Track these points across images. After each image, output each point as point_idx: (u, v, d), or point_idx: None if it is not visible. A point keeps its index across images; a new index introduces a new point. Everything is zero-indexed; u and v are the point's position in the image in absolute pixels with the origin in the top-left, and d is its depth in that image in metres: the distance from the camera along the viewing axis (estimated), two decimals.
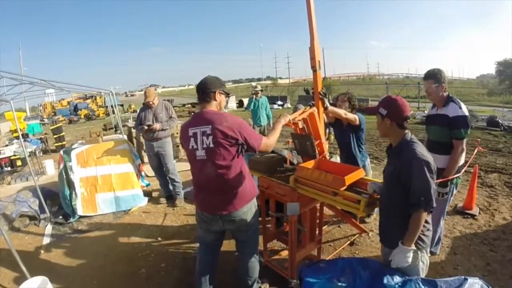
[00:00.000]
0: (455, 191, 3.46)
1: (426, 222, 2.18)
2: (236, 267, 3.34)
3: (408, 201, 2.09)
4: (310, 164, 3.12)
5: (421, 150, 2.12)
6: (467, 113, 3.19)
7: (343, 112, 3.86)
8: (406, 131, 2.25)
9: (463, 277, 2.01)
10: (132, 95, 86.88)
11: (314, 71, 3.50)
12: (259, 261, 3.04)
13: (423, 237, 2.17)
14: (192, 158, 2.63)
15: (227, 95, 2.85)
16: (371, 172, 4.62)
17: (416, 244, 2.14)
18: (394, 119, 2.22)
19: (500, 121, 11.48)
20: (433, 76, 3.27)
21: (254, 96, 8.63)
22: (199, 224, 2.88)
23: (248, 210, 2.70)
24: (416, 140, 2.21)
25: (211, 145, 2.49)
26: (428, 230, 2.22)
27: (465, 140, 3.19)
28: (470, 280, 1.98)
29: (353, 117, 3.97)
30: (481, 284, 1.98)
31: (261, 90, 8.97)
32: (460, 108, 3.18)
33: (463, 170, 3.34)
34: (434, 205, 2.08)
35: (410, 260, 2.10)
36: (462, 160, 3.27)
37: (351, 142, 4.20)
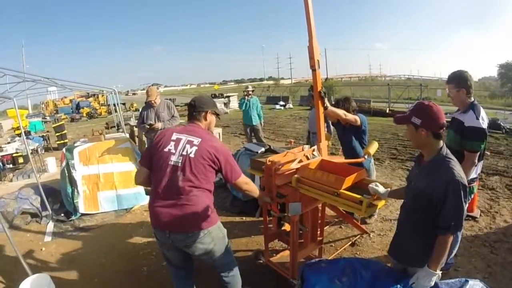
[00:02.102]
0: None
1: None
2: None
3: (435, 221, 1.98)
4: (312, 164, 3.12)
5: (459, 170, 1.97)
6: (484, 126, 2.95)
7: (343, 113, 3.84)
8: (441, 142, 2.08)
9: (464, 279, 2.02)
10: (133, 94, 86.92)
11: (313, 70, 3.45)
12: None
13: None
14: (162, 162, 2.46)
15: (218, 116, 2.85)
16: (375, 173, 4.62)
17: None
18: (430, 128, 2.02)
19: (501, 123, 11.48)
20: (453, 79, 3.08)
21: (246, 96, 8.69)
22: (160, 247, 2.78)
23: (202, 236, 2.49)
24: (451, 155, 2.05)
25: (192, 155, 2.40)
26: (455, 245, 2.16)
27: (477, 154, 2.96)
28: (471, 282, 1.98)
29: (353, 117, 3.98)
30: (481, 286, 1.98)
31: (252, 91, 9.05)
32: (477, 118, 2.94)
33: (473, 184, 3.17)
34: (462, 229, 2.02)
35: (433, 283, 2.00)
36: (473, 174, 3.06)
37: (353, 142, 4.21)
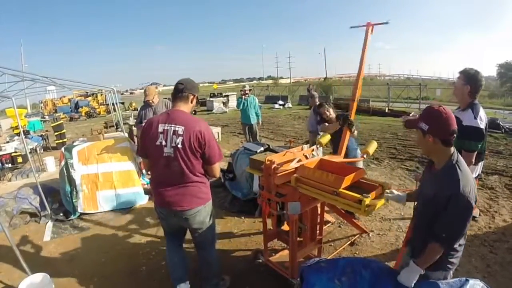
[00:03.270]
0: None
1: (459, 245, 2.07)
2: (235, 270, 3.42)
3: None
4: (312, 163, 3.12)
5: (466, 183, 1.89)
6: (482, 126, 3.00)
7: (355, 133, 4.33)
8: (452, 149, 2.00)
9: (464, 278, 2.01)
10: (131, 93, 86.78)
11: (353, 100, 4.03)
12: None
13: (452, 260, 2.09)
14: (157, 155, 2.67)
15: (198, 102, 2.94)
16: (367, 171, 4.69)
17: (445, 267, 2.09)
18: (437, 135, 1.95)
19: (501, 123, 11.48)
20: (465, 73, 3.06)
21: (243, 96, 8.70)
22: (160, 220, 3.12)
23: (201, 210, 2.81)
24: (462, 164, 1.97)
25: (180, 146, 2.60)
26: (456, 255, 2.09)
27: (474, 154, 3.02)
28: (471, 281, 1.98)
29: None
30: (482, 285, 1.98)
31: (250, 90, 9.08)
32: (475, 118, 2.99)
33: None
34: (454, 247, 2.01)
35: (415, 281, 2.01)
36: (473, 174, 2.89)
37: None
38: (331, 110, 4.92)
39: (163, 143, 2.63)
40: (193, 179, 2.71)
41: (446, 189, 1.91)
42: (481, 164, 3.20)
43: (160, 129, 2.65)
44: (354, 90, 4.04)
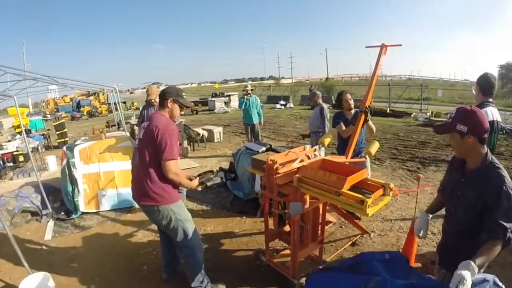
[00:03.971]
0: None
1: None
2: (236, 269, 3.53)
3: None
4: (314, 163, 3.12)
5: (506, 175, 1.90)
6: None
7: (373, 127, 4.47)
8: (486, 147, 1.99)
9: (482, 275, 1.97)
10: (131, 93, 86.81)
11: (361, 112, 4.12)
12: (263, 260, 3.09)
13: None
14: (134, 147, 3.08)
15: (181, 106, 3.09)
16: (370, 171, 4.66)
17: None
18: (476, 134, 1.92)
19: (502, 124, 11.43)
20: (477, 80, 3.29)
21: (245, 96, 8.68)
22: None
23: (153, 211, 2.93)
24: (498, 162, 1.98)
25: (141, 137, 2.89)
26: None
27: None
28: (489, 276, 1.98)
29: (373, 126, 4.49)
30: (492, 278, 1.99)
31: (251, 90, 9.06)
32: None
33: None
34: None
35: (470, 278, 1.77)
36: None
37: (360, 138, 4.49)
38: (352, 100, 4.73)
39: (136, 137, 3.01)
40: (150, 173, 2.83)
41: (492, 186, 1.89)
42: None
43: (141, 126, 3.01)
44: (364, 99, 4.17)
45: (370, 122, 4.25)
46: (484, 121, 1.91)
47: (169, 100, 2.98)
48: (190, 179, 3.09)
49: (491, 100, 3.23)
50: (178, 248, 3.15)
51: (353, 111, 4.54)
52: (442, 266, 2.27)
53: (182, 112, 3.33)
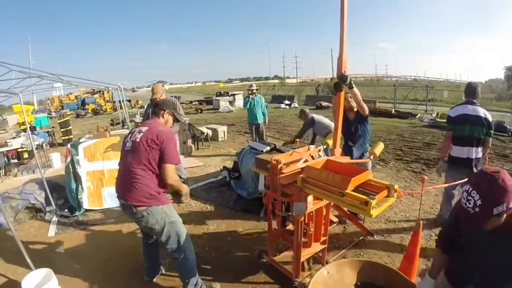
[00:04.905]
0: None
1: None
2: (239, 269, 3.53)
3: None
4: (318, 163, 3.10)
5: None
6: (449, 114, 4.33)
7: (360, 97, 4.07)
8: None
9: None
10: (133, 91, 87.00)
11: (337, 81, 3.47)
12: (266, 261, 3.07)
13: None
14: (122, 148, 3.08)
15: (176, 119, 3.30)
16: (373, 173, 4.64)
17: None
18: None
19: (507, 126, 11.35)
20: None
21: (250, 95, 8.68)
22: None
23: (150, 215, 2.89)
24: None
25: (137, 139, 2.87)
26: None
27: (447, 133, 4.36)
28: None
29: (364, 105, 4.23)
30: None
31: (257, 89, 9.07)
32: (451, 109, 4.43)
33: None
34: None
35: None
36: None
37: (359, 131, 4.44)
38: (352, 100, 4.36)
39: (127, 139, 3.02)
40: (141, 175, 2.84)
41: None
42: (466, 149, 4.12)
43: (133, 131, 3.07)
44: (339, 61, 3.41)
45: (355, 90, 3.79)
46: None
47: (165, 112, 3.19)
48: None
49: (474, 101, 4.18)
50: (172, 252, 3.09)
51: (355, 110, 4.43)
52: None
53: (173, 126, 3.46)
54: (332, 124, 6.35)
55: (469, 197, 1.53)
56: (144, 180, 2.84)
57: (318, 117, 6.70)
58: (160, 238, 3.03)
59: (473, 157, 4.09)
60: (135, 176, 2.84)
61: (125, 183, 2.90)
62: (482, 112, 4.07)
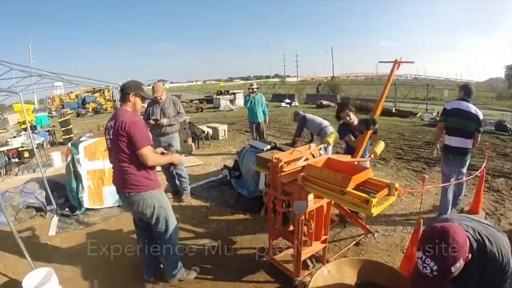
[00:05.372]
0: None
1: None
2: (239, 268, 3.52)
3: None
4: (319, 162, 3.10)
5: None
6: (447, 107, 4.70)
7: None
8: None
9: None
10: None
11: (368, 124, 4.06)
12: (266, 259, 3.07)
13: None
14: (107, 145, 3.15)
15: (143, 98, 3.23)
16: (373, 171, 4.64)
17: None
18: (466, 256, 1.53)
19: (508, 125, 11.32)
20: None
21: (250, 94, 8.68)
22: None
23: (141, 200, 3.06)
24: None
25: (112, 137, 2.99)
26: None
27: (440, 124, 4.84)
28: None
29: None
30: None
31: (257, 88, 9.06)
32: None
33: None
34: None
35: None
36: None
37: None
38: (351, 115, 4.44)
39: (106, 137, 3.08)
40: (127, 165, 2.98)
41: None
42: (458, 139, 4.51)
43: (107, 125, 3.09)
44: (374, 110, 4.24)
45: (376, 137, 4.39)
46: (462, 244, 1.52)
47: (130, 95, 3.11)
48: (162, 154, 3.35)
49: (468, 99, 4.56)
50: (159, 236, 3.27)
51: (356, 121, 4.43)
52: None
53: (144, 104, 3.53)
54: (324, 121, 6.68)
55: (424, 264, 1.55)
56: (129, 170, 2.99)
57: (310, 116, 7.12)
58: (150, 221, 3.18)
59: (464, 146, 4.52)
60: (122, 169, 3.00)
61: (118, 177, 3.11)
62: (473, 109, 4.45)
